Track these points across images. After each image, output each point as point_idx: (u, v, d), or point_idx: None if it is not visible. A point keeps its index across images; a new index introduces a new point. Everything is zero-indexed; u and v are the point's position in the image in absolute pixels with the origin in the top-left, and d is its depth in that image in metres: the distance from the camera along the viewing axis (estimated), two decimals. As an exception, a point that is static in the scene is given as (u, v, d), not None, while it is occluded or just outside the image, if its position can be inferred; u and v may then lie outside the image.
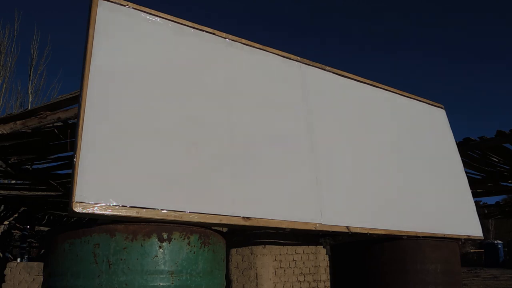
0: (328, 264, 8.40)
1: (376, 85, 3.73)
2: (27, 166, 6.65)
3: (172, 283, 2.07)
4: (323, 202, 2.80)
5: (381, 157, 3.41)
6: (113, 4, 2.46)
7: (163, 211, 2.13)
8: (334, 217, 2.82)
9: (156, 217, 2.11)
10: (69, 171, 5.71)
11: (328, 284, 8.26)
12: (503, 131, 5.69)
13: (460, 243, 3.58)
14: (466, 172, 4.27)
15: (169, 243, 2.11)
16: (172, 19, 2.68)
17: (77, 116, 2.14)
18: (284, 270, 7.94)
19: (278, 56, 3.13)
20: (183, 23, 2.73)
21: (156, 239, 2.08)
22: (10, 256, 11.35)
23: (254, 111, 2.80)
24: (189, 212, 2.22)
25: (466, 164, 6.52)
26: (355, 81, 3.59)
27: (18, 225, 11.96)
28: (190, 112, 2.51)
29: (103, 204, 1.99)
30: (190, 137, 2.44)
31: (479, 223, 3.80)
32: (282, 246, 8.03)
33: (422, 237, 3.26)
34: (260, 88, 2.92)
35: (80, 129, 2.08)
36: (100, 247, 2.02)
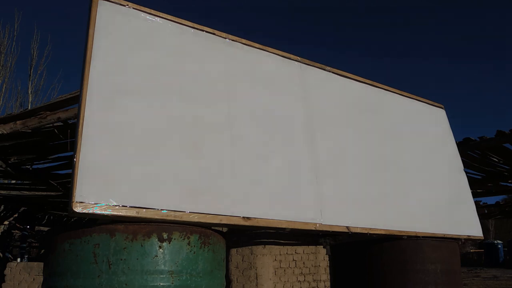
0: (328, 264, 8.39)
1: (376, 85, 3.73)
2: (27, 166, 6.64)
3: (172, 283, 2.07)
4: (323, 202, 2.80)
5: (381, 157, 3.41)
6: (113, 4, 2.45)
7: (163, 211, 2.13)
8: (334, 217, 2.82)
9: (156, 217, 2.11)
10: (69, 171, 5.71)
11: (328, 284, 8.26)
12: (503, 131, 5.69)
13: (460, 243, 3.58)
14: (466, 172, 4.27)
15: (169, 243, 2.11)
16: (172, 19, 2.68)
17: (77, 116, 2.14)
18: (284, 270, 7.93)
19: (278, 56, 3.13)
20: (183, 23, 2.73)
21: (156, 239, 2.08)
22: (10, 256, 11.35)
23: (254, 111, 2.80)
24: (189, 212, 2.22)
25: (466, 164, 6.51)
26: (355, 81, 3.59)
27: (18, 225, 11.95)
28: (190, 112, 2.51)
29: (103, 204, 1.99)
30: (190, 137, 2.44)
31: (479, 223, 3.80)
32: (282, 246, 8.02)
33: (422, 237, 3.26)
34: (260, 88, 2.92)
35: (80, 129, 2.08)
36: (100, 247, 2.02)
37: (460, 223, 3.62)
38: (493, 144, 6.00)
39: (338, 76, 3.49)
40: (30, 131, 4.80)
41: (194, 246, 2.20)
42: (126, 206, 2.05)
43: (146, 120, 2.32)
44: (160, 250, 2.08)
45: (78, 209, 1.93)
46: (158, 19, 2.62)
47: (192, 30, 2.76)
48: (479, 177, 7.80)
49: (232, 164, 2.52)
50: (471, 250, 30.91)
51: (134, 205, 2.07)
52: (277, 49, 3.14)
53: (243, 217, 2.40)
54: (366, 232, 2.95)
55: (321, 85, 3.31)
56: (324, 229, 2.76)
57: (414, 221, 3.29)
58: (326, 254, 8.46)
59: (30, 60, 20.94)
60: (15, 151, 5.81)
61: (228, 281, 7.71)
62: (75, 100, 4.48)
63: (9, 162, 6.14)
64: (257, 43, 3.05)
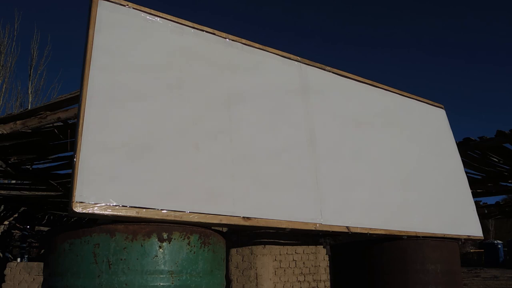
0: (328, 264, 8.40)
1: (376, 85, 3.73)
2: (27, 166, 6.65)
3: (172, 283, 2.07)
4: (323, 202, 2.80)
5: (381, 157, 3.41)
6: (113, 4, 2.45)
7: (163, 211, 2.13)
8: (334, 217, 2.82)
9: (156, 217, 2.11)
10: (69, 171, 5.72)
11: (328, 284, 8.26)
12: (503, 131, 5.70)
13: (460, 243, 3.58)
14: (466, 172, 4.27)
15: (169, 243, 2.11)
16: (172, 19, 2.68)
17: (77, 116, 2.14)
18: (284, 270, 7.94)
19: (278, 56, 3.13)
20: (183, 23, 2.73)
21: (156, 239, 2.08)
22: (10, 256, 11.35)
23: (254, 111, 2.80)
24: (189, 212, 2.22)
25: (466, 164, 6.52)
26: (355, 81, 3.59)
27: (18, 225, 11.96)
28: (191, 112, 2.51)
29: (103, 204, 1.99)
30: (191, 137, 2.44)
31: (479, 223, 3.80)
32: (282, 246, 8.03)
33: (422, 237, 3.26)
34: (260, 88, 2.92)
35: (80, 129, 2.08)
36: (100, 247, 2.02)
37: (460, 223, 3.62)
38: (493, 144, 6.01)
39: (338, 76, 3.49)
40: (30, 131, 4.81)
41: (194, 246, 2.20)
42: (126, 206, 2.05)
43: (146, 120, 2.32)
44: (160, 250, 2.08)
45: (78, 209, 1.93)
46: (158, 19, 2.62)
47: (192, 30, 2.76)
48: (479, 177, 7.82)
49: (232, 164, 2.52)
50: (471, 250, 30.91)
51: (134, 205, 2.07)
52: (277, 49, 3.14)
53: (243, 217, 2.41)
54: (366, 232, 2.95)
55: (321, 85, 3.30)
56: (324, 229, 2.76)
57: (414, 221, 3.29)
58: (326, 254, 8.47)
59: (30, 60, 21.00)
60: (15, 151, 5.82)
61: (228, 281, 7.71)
62: (75, 100, 4.49)
63: (9, 162, 6.14)
64: (257, 43, 3.05)
